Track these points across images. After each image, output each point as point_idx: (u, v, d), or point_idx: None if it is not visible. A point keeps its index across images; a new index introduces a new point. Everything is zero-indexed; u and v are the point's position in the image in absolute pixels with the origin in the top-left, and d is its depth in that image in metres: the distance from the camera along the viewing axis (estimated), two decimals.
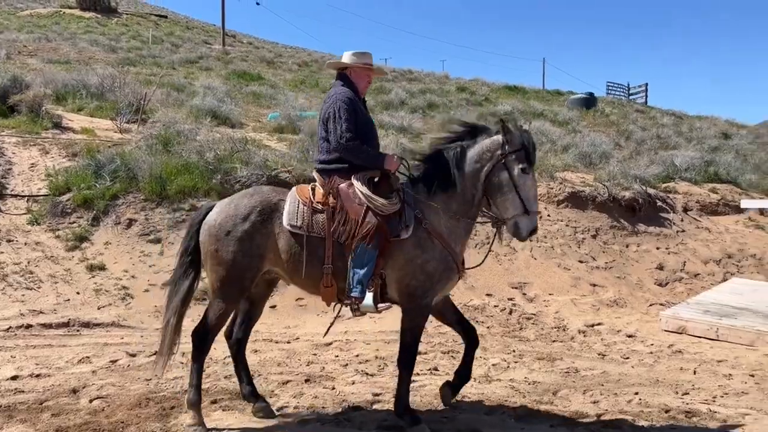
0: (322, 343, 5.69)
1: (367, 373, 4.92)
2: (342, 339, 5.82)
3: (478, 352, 5.55)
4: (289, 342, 5.79)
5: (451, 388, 4.13)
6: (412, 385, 4.61)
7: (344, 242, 3.65)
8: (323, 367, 5.05)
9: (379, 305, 3.69)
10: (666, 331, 6.52)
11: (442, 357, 5.41)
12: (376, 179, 3.84)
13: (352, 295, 3.64)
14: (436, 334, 6.01)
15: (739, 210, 12.10)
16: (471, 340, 4.16)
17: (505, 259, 8.22)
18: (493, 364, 5.24)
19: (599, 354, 5.77)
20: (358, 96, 3.97)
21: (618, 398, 4.47)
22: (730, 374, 5.11)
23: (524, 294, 7.57)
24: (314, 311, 6.51)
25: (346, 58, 4.02)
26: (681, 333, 6.41)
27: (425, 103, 18.62)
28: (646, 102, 31.04)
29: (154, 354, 4.39)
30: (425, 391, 4.51)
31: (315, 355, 5.41)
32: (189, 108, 12.84)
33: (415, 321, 3.78)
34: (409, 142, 12.26)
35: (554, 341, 6.20)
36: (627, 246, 9.26)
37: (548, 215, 9.44)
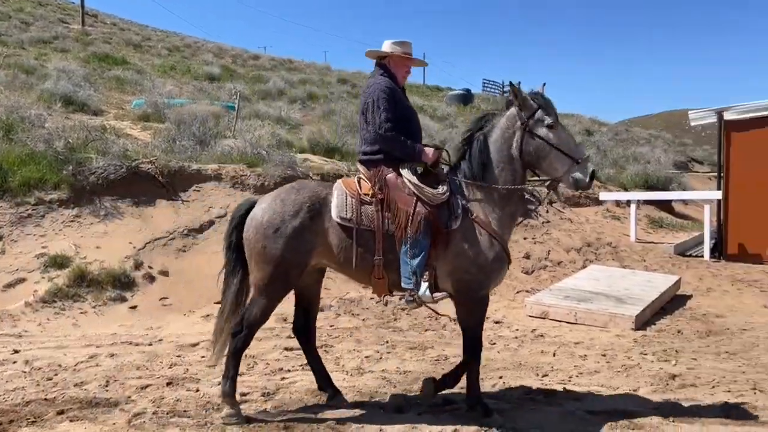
0: (187, 343, 5.43)
1: None
2: (209, 339, 5.60)
3: (351, 345, 5.64)
4: (150, 344, 5.48)
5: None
6: (284, 381, 4.58)
7: (394, 234, 3.66)
8: (187, 369, 4.83)
9: (435, 294, 3.72)
10: (530, 316, 6.98)
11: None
12: (420, 170, 3.89)
13: (405, 286, 3.68)
14: None
15: (598, 202, 13.24)
16: None
17: None
18: (366, 356, 5.30)
19: None
20: (398, 85, 3.98)
21: (483, 383, 4.68)
22: (585, 355, 5.55)
23: None
24: (179, 311, 6.21)
25: (386, 46, 4.02)
26: (544, 318, 6.88)
27: (305, 94, 18.48)
28: None
29: None
30: (296, 388, 4.46)
31: (179, 357, 5.16)
32: (39, 92, 11.74)
33: (476, 315, 3.85)
34: (286, 134, 12.09)
35: (426, 330, 6.40)
36: None
37: None
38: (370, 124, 3.81)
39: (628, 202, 12.46)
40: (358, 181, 3.86)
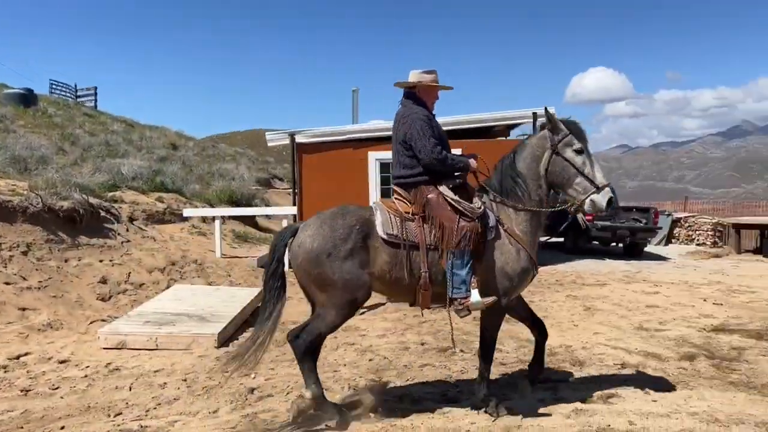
0: None
1: None
2: None
3: None
4: None
5: (529, 380, 4.78)
6: None
7: (437, 248, 4.05)
8: None
9: (486, 300, 4.06)
10: (105, 348, 6.30)
11: None
12: (457, 188, 4.25)
13: (456, 296, 4.03)
14: None
15: (183, 218, 13.13)
16: (541, 332, 4.79)
17: None
18: None
19: (22, 390, 5.05)
20: (429, 111, 4.34)
21: None
22: (165, 383, 5.26)
23: None
24: None
25: (415, 77, 4.32)
26: (121, 348, 6.30)
27: None
28: (95, 106, 30.62)
29: None
30: None
31: None
32: None
33: (496, 320, 4.31)
34: None
35: None
36: (66, 261, 8.66)
37: None
38: (420, 152, 4.17)
39: (214, 218, 12.75)
40: (395, 202, 4.27)
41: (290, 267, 4.29)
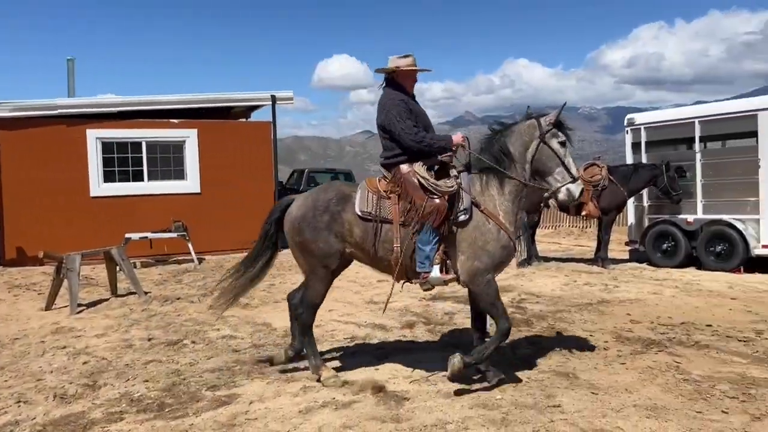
0: None
1: None
2: None
3: None
4: None
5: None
6: None
7: (409, 224, 4.38)
8: None
9: (444, 277, 4.42)
10: None
11: None
12: (436, 168, 4.56)
13: (420, 270, 4.39)
14: None
15: None
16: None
17: None
18: None
19: None
20: (407, 94, 4.68)
21: None
22: None
23: None
24: None
25: (392, 62, 4.66)
26: None
27: None
28: None
29: None
30: None
31: None
32: None
33: (490, 295, 4.43)
34: None
35: None
36: None
37: None
38: (400, 135, 4.48)
39: None
40: (379, 181, 4.64)
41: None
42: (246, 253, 5.23)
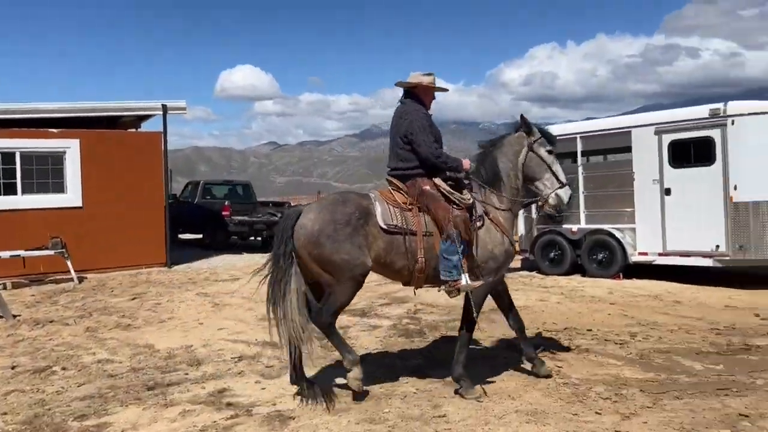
0: None
1: None
2: None
3: None
4: None
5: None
6: None
7: (432, 235, 4.57)
8: None
9: (475, 284, 4.56)
10: None
11: None
12: (449, 182, 4.80)
13: (446, 278, 4.51)
14: None
15: None
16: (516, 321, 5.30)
17: None
18: None
19: None
20: (426, 110, 4.93)
21: None
22: None
23: None
24: None
25: (415, 78, 4.88)
26: None
27: None
28: None
29: None
30: None
31: None
32: None
33: (481, 297, 4.77)
34: None
35: None
36: None
37: None
38: (420, 146, 4.67)
39: None
40: (394, 192, 4.75)
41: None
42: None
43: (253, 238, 16.85)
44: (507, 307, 5.31)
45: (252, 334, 6.78)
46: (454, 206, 4.60)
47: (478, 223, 4.72)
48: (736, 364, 5.39)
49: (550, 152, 4.94)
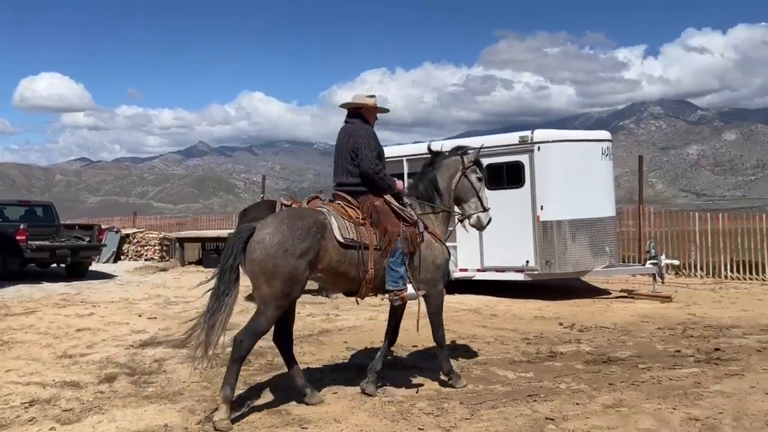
0: None
1: None
2: None
3: None
4: None
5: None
6: None
7: (381, 248, 4.90)
8: None
9: (419, 292, 5.08)
10: None
11: None
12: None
13: (393, 287, 4.94)
14: None
15: None
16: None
17: None
18: None
19: None
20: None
21: None
22: None
23: None
24: None
25: (361, 99, 5.35)
26: None
27: None
28: None
29: None
30: None
31: None
32: None
33: (437, 304, 5.35)
34: None
35: None
36: None
37: None
38: (363, 162, 5.06)
39: None
40: (345, 208, 5.00)
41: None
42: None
43: (55, 265, 15.20)
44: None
45: (48, 374, 6.02)
46: (403, 222, 5.06)
47: (422, 237, 5.16)
48: (543, 371, 5.88)
49: (479, 179, 5.57)
